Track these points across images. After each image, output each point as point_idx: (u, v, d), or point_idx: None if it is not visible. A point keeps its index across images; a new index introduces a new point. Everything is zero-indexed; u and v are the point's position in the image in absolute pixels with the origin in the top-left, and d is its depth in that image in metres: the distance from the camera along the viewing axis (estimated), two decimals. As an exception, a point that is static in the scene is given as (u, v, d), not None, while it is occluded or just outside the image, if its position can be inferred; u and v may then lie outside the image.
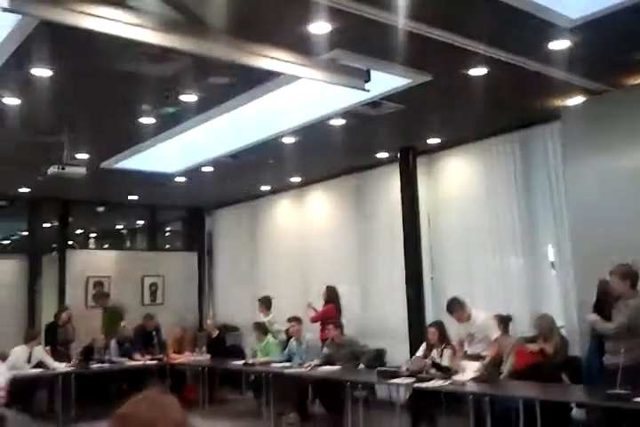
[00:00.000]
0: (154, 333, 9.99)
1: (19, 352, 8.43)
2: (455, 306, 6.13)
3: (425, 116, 7.30)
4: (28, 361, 8.45)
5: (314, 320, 9.04)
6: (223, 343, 9.87)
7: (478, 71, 5.68)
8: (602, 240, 6.26)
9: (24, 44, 4.75)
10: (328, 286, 9.38)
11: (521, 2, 4.35)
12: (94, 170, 8.35)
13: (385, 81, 5.85)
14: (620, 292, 5.23)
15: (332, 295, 9.25)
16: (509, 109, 7.00)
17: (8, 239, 13.72)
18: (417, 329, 8.06)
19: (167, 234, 15.06)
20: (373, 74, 5.41)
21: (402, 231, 8.54)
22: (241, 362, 8.68)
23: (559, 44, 5.14)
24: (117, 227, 14.81)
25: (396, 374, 6.49)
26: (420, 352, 6.90)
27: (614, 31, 4.87)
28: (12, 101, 6.13)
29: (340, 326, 7.97)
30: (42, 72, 5.41)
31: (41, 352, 8.64)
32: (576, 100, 6.66)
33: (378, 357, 8.18)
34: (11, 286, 11.14)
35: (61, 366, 8.57)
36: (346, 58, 5.23)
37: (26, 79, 5.54)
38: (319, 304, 9.26)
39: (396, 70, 5.66)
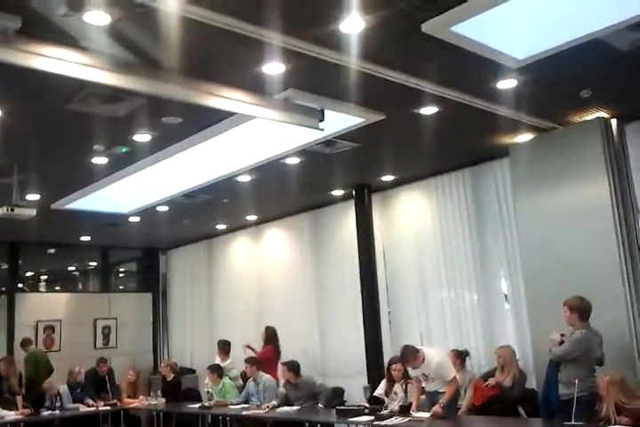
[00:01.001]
0: (107, 377, 9.69)
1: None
2: (409, 356, 6.07)
3: (379, 154, 7.40)
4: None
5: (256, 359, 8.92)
6: (179, 386, 9.62)
7: (429, 110, 5.82)
8: (553, 273, 6.40)
9: (-28, 83, 4.68)
10: (267, 326, 9.35)
11: (469, 44, 4.49)
12: (45, 211, 8.19)
13: (339, 120, 5.94)
14: (569, 322, 5.35)
15: (270, 336, 9.20)
16: (460, 146, 7.17)
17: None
18: (375, 366, 8.01)
19: (121, 275, 14.77)
20: (327, 113, 5.50)
21: (358, 267, 8.55)
22: (197, 405, 8.48)
23: (507, 84, 5.31)
24: (69, 268, 14.47)
25: (356, 413, 6.42)
26: (380, 389, 6.85)
27: (561, 70, 5.06)
28: (-39, 142, 6.01)
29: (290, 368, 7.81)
30: (-9, 112, 5.33)
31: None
32: (524, 137, 6.86)
33: (336, 395, 8.10)
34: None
35: (10, 414, 8.22)
36: (300, 97, 5.29)
37: (-26, 119, 5.44)
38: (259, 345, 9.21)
39: (350, 110, 5.75)
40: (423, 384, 6.18)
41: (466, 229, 7.98)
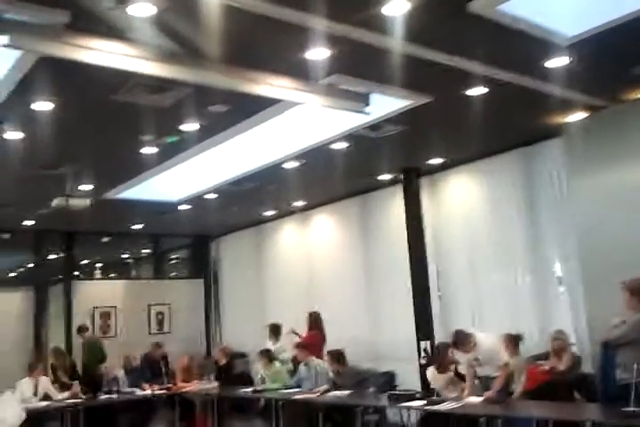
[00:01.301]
0: (162, 362, 9.90)
1: (24, 385, 8.38)
2: (461, 342, 6.02)
3: (426, 137, 7.31)
4: (35, 394, 8.40)
5: (296, 346, 8.95)
6: (232, 371, 9.77)
7: (478, 91, 5.70)
8: (609, 255, 6.23)
9: (25, 78, 4.79)
10: (311, 312, 9.32)
11: (516, 21, 4.37)
12: (98, 201, 8.36)
13: (385, 103, 5.88)
14: (629, 306, 5.19)
15: (315, 321, 9.17)
16: (511, 128, 7.02)
17: (14, 271, 13.71)
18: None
19: (172, 262, 15.03)
20: (373, 96, 5.45)
21: (407, 252, 8.49)
22: (250, 389, 8.60)
23: (557, 62, 5.16)
24: (123, 256, 14.80)
25: (407, 397, 6.41)
26: (430, 374, 6.79)
27: (611, 47, 4.89)
28: (15, 135, 6.17)
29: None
30: (43, 105, 5.45)
31: (46, 383, 8.59)
32: (577, 116, 6.67)
33: (388, 380, 8.10)
34: (18, 318, 11.12)
35: (64, 396, 8.49)
36: (345, 82, 5.26)
37: (28, 113, 5.57)
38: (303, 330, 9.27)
39: (396, 93, 5.69)
40: (476, 369, 6.12)
41: (518, 211, 7.84)
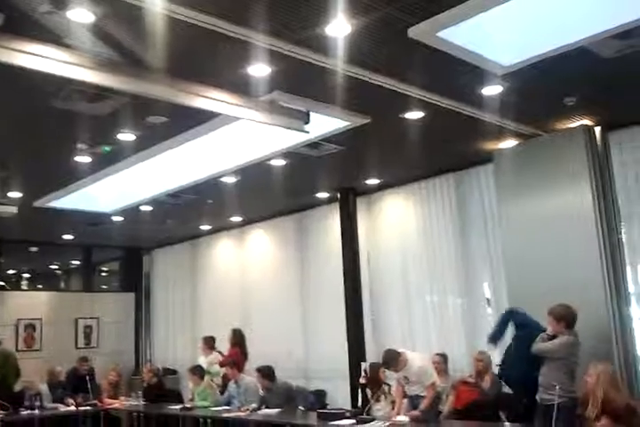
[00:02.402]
0: (88, 377, 9.61)
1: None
2: (391, 361, 6.07)
3: (363, 158, 7.41)
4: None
5: (221, 364, 8.86)
6: (160, 388, 9.56)
7: (415, 115, 5.83)
8: (536, 278, 6.42)
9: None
10: (234, 328, 9.25)
11: (455, 49, 4.50)
12: (27, 209, 8.12)
13: (325, 122, 5.93)
14: (555, 331, 5.35)
15: (237, 338, 9.09)
16: (445, 151, 7.19)
17: None
18: (357, 369, 7.99)
19: (103, 274, 14.67)
20: (313, 115, 5.49)
21: (342, 270, 8.55)
22: (178, 407, 8.43)
23: (492, 90, 5.33)
24: (51, 267, 14.35)
25: (337, 416, 6.40)
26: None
27: (545, 77, 5.08)
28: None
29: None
30: (-27, 109, 5.28)
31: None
32: (508, 143, 6.89)
33: (318, 398, 8.09)
34: None
35: None
36: (285, 99, 5.28)
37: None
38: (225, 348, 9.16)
39: (336, 113, 5.75)
40: (405, 388, 6.18)
41: (450, 233, 8.01)
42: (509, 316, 5.88)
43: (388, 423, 5.90)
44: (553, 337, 5.35)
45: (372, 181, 8.44)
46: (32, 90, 4.95)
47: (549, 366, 5.26)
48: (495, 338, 5.89)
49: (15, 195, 7.95)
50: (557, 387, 5.00)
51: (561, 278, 6.17)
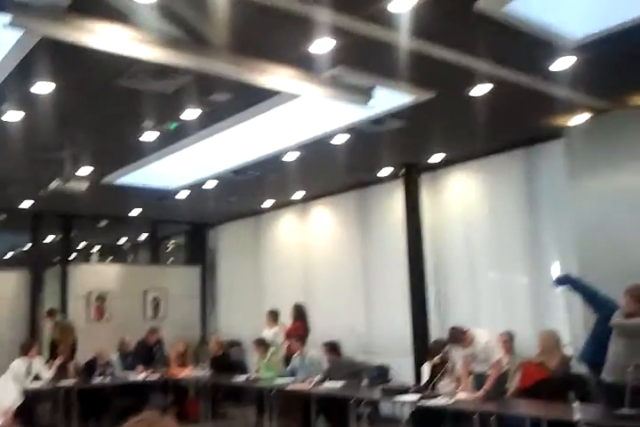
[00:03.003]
0: (156, 347, 9.93)
1: (18, 365, 8.43)
2: (457, 338, 6.03)
3: (428, 133, 7.28)
4: (28, 374, 8.45)
5: (286, 337, 9.05)
6: (226, 359, 9.80)
7: (482, 89, 5.66)
8: (608, 257, 6.23)
9: (26, 59, 4.75)
10: (296, 303, 9.43)
11: (524, 23, 4.33)
12: (96, 185, 8.33)
13: (389, 97, 5.84)
14: (630, 311, 5.17)
15: (299, 313, 9.25)
16: (513, 127, 6.99)
17: (10, 253, 13.71)
18: (421, 346, 7.98)
19: (169, 248, 15.01)
20: (377, 90, 5.41)
21: (405, 247, 8.48)
22: (243, 377, 8.62)
23: (563, 63, 5.12)
24: (120, 241, 14.77)
25: (401, 391, 6.43)
26: (425, 371, 6.79)
27: (618, 50, 4.85)
28: (15, 117, 6.12)
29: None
30: (44, 87, 5.40)
31: (39, 364, 8.64)
32: (580, 118, 6.63)
33: (381, 373, 8.11)
34: (12, 299, 11.10)
35: (51, 374, 8.62)
36: (349, 75, 5.21)
37: (28, 95, 5.53)
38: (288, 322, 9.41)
39: (400, 87, 5.65)
40: (472, 365, 6.13)
41: (518, 210, 7.82)
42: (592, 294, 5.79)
43: (452, 400, 5.87)
44: (629, 317, 5.18)
45: (437, 157, 8.29)
46: (99, 69, 5.03)
47: (626, 345, 5.08)
48: (564, 281, 5.90)
49: (85, 171, 8.15)
50: (631, 368, 4.82)
51: (636, 257, 5.96)
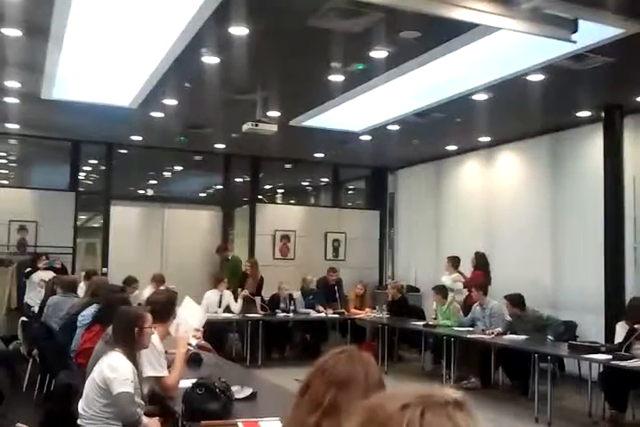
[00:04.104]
0: (336, 287, 10.23)
1: (210, 296, 9.10)
2: None
3: (636, 71, 6.55)
4: (219, 305, 9.11)
5: (466, 286, 8.86)
6: (404, 303, 9.88)
7: None
8: None
9: (223, 2, 4.87)
10: (477, 252, 9.18)
11: None
12: (284, 127, 8.54)
13: (594, 31, 5.30)
14: None
15: (480, 262, 8.99)
16: None
17: (204, 192, 14.64)
18: (614, 303, 7.44)
19: (350, 192, 15.22)
20: (581, 23, 4.93)
21: (602, 197, 7.84)
22: (421, 323, 8.65)
23: None
24: (303, 183, 15.22)
25: (590, 349, 6.08)
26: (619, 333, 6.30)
27: None
28: (212, 60, 6.38)
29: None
30: (239, 30, 5.54)
31: (229, 296, 9.27)
32: None
33: (567, 330, 7.73)
34: (206, 234, 11.92)
35: (238, 307, 9.22)
36: (551, 6, 4.79)
37: (224, 38, 5.71)
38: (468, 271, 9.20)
39: (608, 19, 5.09)
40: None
41: None
42: None
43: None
44: None
45: (644, 98, 7.49)
46: (292, 9, 5.04)
47: None
48: None
49: (274, 114, 8.38)
50: None
51: None
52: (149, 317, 3.63)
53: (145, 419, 3.38)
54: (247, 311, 9.35)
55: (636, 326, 5.96)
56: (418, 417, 0.92)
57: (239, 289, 9.70)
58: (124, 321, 3.60)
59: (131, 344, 3.48)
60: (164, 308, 4.11)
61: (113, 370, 3.30)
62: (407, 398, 0.95)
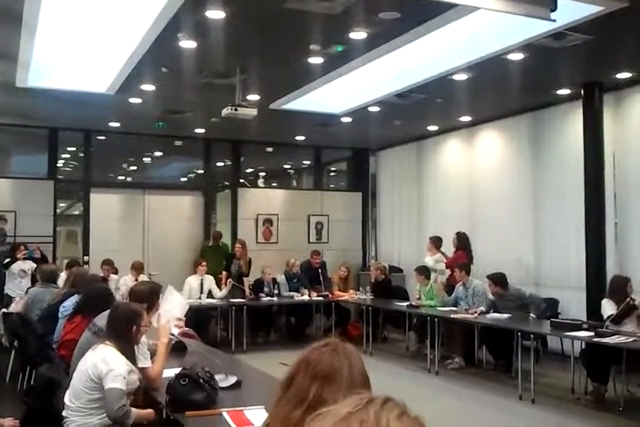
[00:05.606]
0: (320, 270, 10.24)
1: (191, 281, 9.09)
2: None
3: (616, 48, 6.54)
4: (201, 291, 9.10)
5: (448, 266, 8.90)
6: (388, 284, 9.92)
7: (686, -7, 4.94)
8: None
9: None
10: (458, 232, 9.16)
11: None
12: (264, 111, 8.47)
13: (572, 9, 5.26)
14: None
15: (462, 242, 9.02)
16: None
17: (185, 177, 14.53)
18: (596, 280, 7.53)
19: (332, 174, 15.19)
20: (559, 1, 4.88)
21: (582, 174, 7.89)
22: (405, 304, 8.70)
23: None
24: (285, 166, 15.16)
25: (572, 327, 6.15)
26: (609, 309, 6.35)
27: None
28: (189, 44, 6.29)
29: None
30: (216, 14, 5.46)
31: (210, 281, 9.25)
32: None
33: (549, 307, 7.81)
34: (188, 220, 11.85)
35: (222, 294, 9.18)
36: (530, -17, 4.73)
37: (201, 22, 5.62)
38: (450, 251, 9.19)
39: (587, -4, 5.06)
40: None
41: None
42: None
43: (631, 339, 5.51)
44: None
45: (624, 75, 7.47)
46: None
47: None
48: None
49: (254, 98, 8.30)
50: None
51: None
52: (145, 315, 3.63)
53: (135, 410, 3.37)
54: (232, 296, 9.34)
55: (635, 303, 6.00)
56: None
57: (224, 273, 9.72)
58: (123, 316, 3.58)
59: (127, 340, 3.47)
60: (147, 299, 4.09)
61: (107, 365, 3.29)
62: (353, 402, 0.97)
